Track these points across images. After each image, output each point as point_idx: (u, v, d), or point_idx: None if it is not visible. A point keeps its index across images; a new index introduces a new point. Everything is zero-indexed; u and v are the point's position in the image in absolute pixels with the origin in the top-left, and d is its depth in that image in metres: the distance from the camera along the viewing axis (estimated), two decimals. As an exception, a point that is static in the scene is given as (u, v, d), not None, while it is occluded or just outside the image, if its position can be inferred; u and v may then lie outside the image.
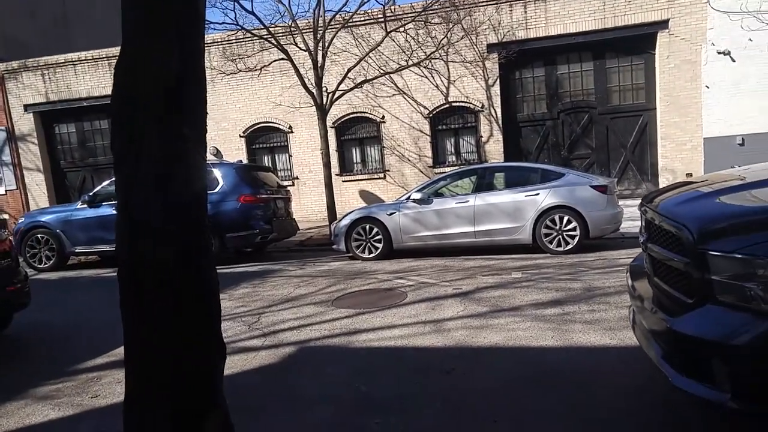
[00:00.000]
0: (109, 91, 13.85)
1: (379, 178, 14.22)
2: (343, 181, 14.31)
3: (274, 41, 11.21)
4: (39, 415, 3.34)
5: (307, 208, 14.65)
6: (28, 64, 15.76)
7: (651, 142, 13.13)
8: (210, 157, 14.85)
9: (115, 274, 2.12)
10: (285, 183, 13.17)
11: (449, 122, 13.98)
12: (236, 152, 14.84)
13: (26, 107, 15.95)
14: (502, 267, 7.03)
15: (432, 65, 13.13)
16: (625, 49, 12.98)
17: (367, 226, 8.44)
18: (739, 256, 1.97)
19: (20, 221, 10.17)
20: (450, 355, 3.86)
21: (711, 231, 2.14)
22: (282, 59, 11.59)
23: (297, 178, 14.70)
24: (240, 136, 14.96)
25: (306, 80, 11.40)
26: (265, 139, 15.06)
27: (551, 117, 13.67)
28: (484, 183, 8.35)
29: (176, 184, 2.01)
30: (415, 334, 4.40)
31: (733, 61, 12.05)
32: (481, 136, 13.63)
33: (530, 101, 13.85)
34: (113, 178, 9.57)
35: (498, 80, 13.36)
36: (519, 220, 7.83)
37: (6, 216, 8.94)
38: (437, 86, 13.68)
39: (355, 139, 14.52)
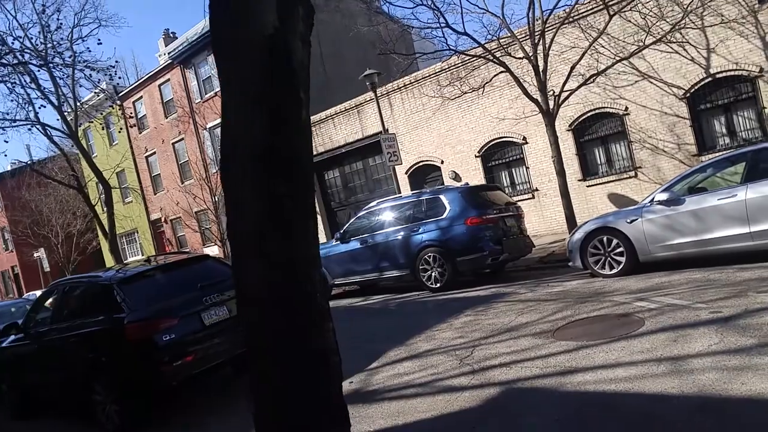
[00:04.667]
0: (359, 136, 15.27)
1: (629, 178, 12.48)
2: (588, 186, 13.04)
3: (490, 56, 11.02)
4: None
5: (550, 219, 13.79)
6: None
7: None
8: (450, 181, 15.33)
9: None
10: (520, 197, 12.72)
11: (714, 99, 11.49)
12: (474, 172, 14.95)
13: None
14: (793, 278, 5.30)
15: (682, 36, 11.05)
16: None
17: (605, 238, 7.39)
18: None
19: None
20: (687, 406, 3.03)
21: None
22: (502, 72, 11.31)
23: (537, 189, 14.00)
24: (476, 156, 15.05)
25: (534, 87, 10.85)
26: (500, 155, 14.82)
27: None
28: (758, 169, 6.49)
29: (272, 243, 2.04)
30: (643, 375, 3.60)
31: None
32: (764, 107, 10.81)
33: (835, 48, 10.43)
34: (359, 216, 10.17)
35: (780, 33, 10.47)
36: (819, 212, 5.81)
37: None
38: (693, 59, 11.43)
39: (596, 139, 13.13)
